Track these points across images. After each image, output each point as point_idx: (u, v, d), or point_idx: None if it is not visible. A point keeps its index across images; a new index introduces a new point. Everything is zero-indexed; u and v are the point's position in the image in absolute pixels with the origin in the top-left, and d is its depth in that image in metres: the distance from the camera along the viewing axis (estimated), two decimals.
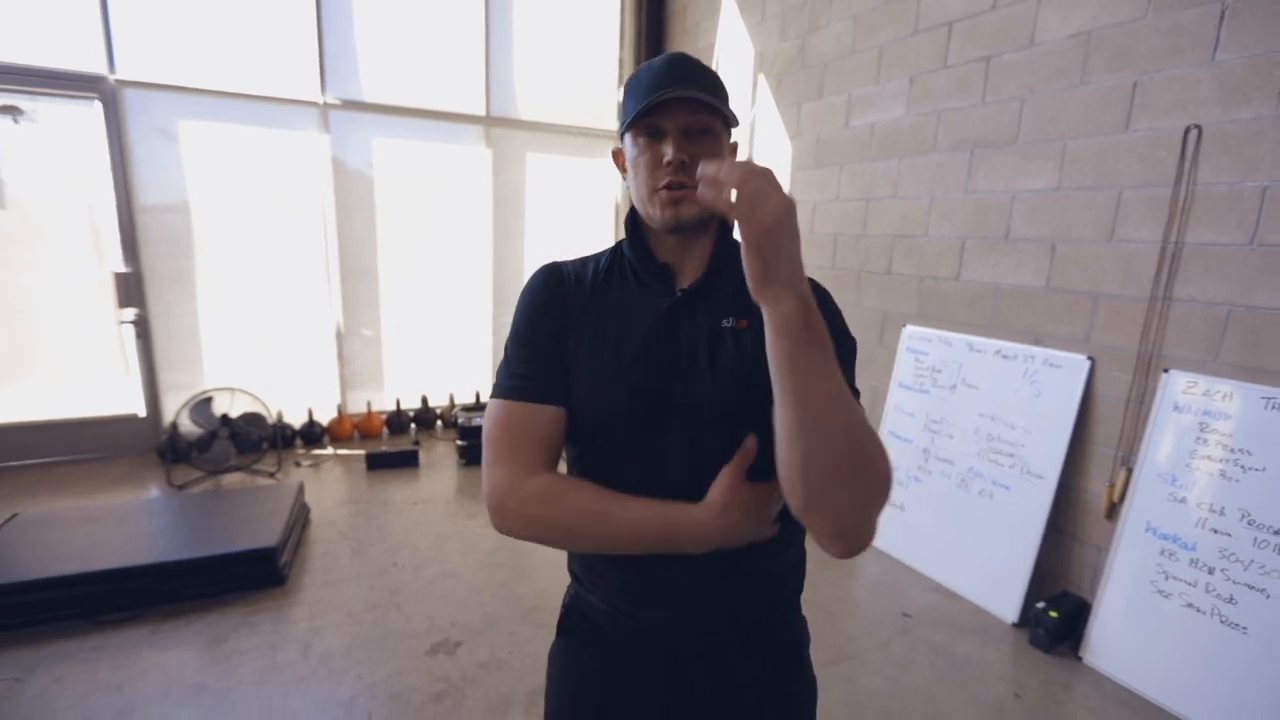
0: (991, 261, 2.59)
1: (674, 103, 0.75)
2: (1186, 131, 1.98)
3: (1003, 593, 2.42)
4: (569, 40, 4.51)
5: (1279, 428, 1.81)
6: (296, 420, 4.06)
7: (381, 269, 4.21)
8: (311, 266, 4.03)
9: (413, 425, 4.38)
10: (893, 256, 3.03)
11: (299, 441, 4.06)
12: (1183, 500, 2.00)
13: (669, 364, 0.79)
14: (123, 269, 3.56)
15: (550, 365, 0.81)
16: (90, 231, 3.52)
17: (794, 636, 0.91)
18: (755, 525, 0.75)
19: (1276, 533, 1.79)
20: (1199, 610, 1.92)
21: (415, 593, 2.46)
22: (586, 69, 4.61)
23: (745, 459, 0.75)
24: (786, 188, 3.82)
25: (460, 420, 3.86)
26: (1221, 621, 1.87)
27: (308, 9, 3.72)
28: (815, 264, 3.44)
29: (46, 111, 3.33)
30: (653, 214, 0.79)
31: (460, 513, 3.17)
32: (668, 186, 0.77)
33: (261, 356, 3.97)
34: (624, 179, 0.86)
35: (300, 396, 4.07)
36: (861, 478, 0.65)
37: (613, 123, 4.72)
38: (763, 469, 0.81)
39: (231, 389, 3.67)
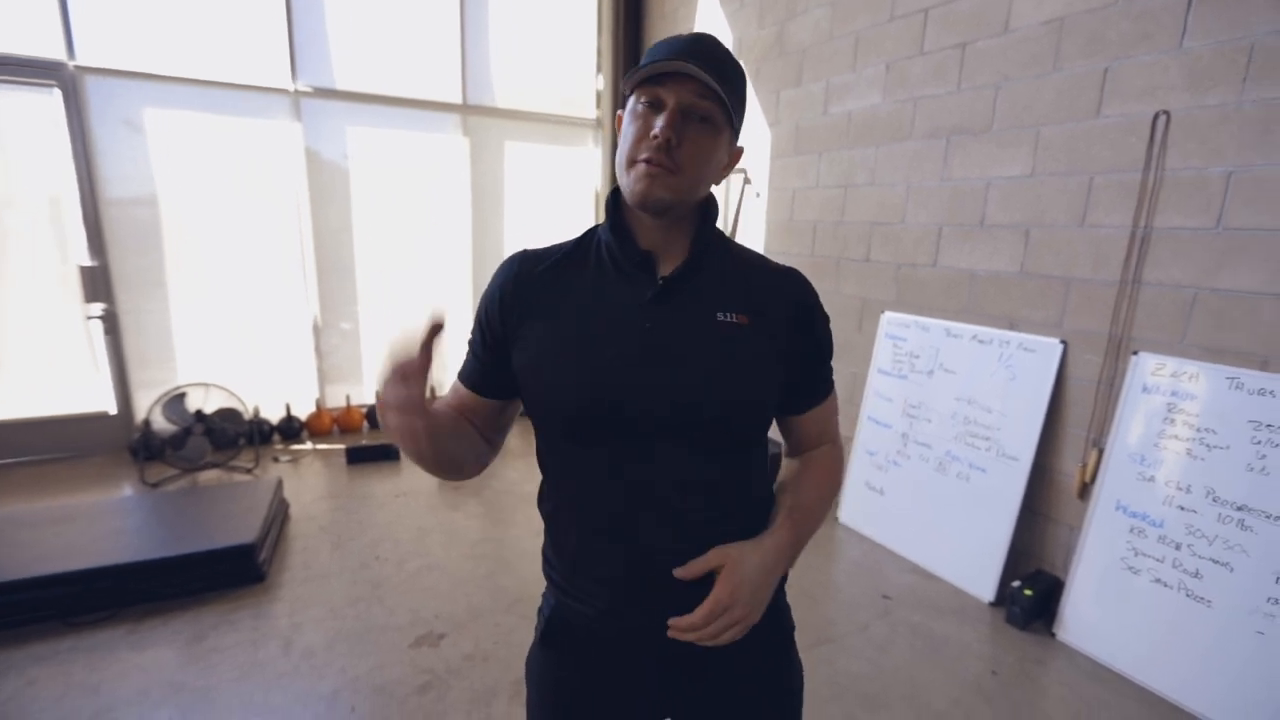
0: (967, 248, 2.62)
1: (682, 79, 0.72)
2: (1155, 117, 2.01)
3: (979, 573, 2.47)
4: (546, 27, 4.45)
5: (1242, 407, 1.86)
6: (274, 415, 4.00)
7: (359, 261, 4.15)
8: (286, 259, 3.95)
9: None
10: (871, 243, 3.06)
11: (277, 437, 4.00)
12: (1151, 479, 2.05)
13: (657, 359, 0.75)
14: (89, 263, 3.47)
15: (477, 355, 0.87)
16: (53, 225, 3.42)
17: (783, 624, 0.91)
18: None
19: (1239, 509, 1.85)
20: (1166, 585, 1.98)
21: (398, 586, 2.44)
22: (564, 56, 4.56)
23: None
24: (765, 175, 3.78)
25: None
26: (1188, 595, 1.93)
27: None
28: (795, 251, 3.46)
29: (3, 101, 3.22)
30: (626, 185, 0.76)
31: (443, 505, 3.16)
32: (647, 161, 0.73)
33: (237, 351, 3.89)
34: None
35: (277, 391, 4.01)
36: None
37: (591, 110, 4.68)
38: (738, 498, 0.83)
39: (206, 384, 3.60)
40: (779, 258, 3.49)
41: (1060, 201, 2.30)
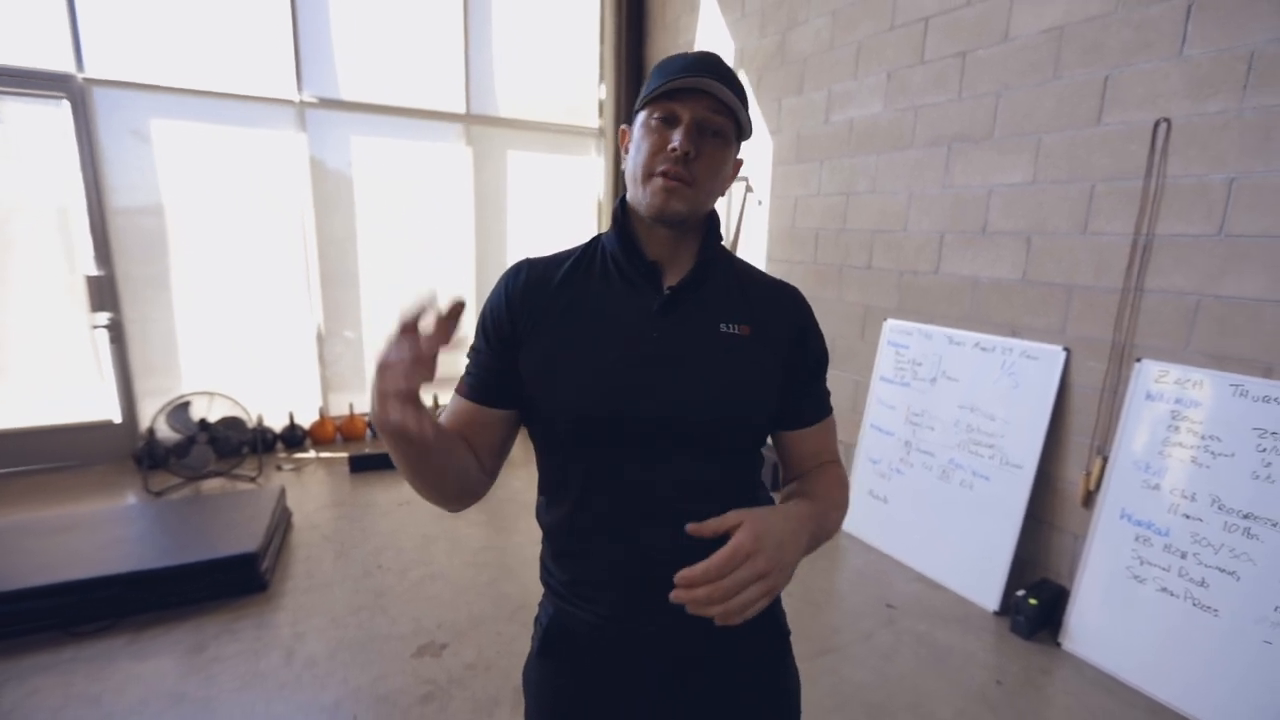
0: (969, 255, 2.62)
1: (697, 94, 0.75)
2: (1156, 125, 2.02)
3: (984, 582, 2.45)
4: (549, 37, 4.48)
5: (1247, 414, 1.85)
6: (277, 424, 4.01)
7: (362, 270, 4.17)
8: (290, 268, 3.97)
9: None
10: (873, 251, 3.06)
11: (280, 445, 4.01)
12: (1156, 487, 2.04)
13: (662, 366, 0.77)
14: (95, 272, 3.49)
15: (480, 364, 0.84)
16: (61, 235, 3.44)
17: (780, 627, 0.91)
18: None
19: (1245, 516, 1.84)
20: (1172, 594, 1.96)
21: (401, 595, 2.44)
22: (567, 66, 4.59)
23: None
24: (767, 183, 3.79)
25: None
26: (1194, 605, 1.92)
27: (282, 4, 3.66)
28: (797, 259, 3.46)
29: (13, 112, 3.25)
30: (641, 198, 0.78)
31: (446, 514, 3.14)
32: (664, 174, 0.75)
33: (240, 360, 3.91)
34: (625, 158, 0.85)
35: (281, 400, 4.02)
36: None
37: (594, 120, 4.70)
38: (736, 502, 0.82)
39: (210, 393, 3.61)
40: (782, 265, 3.53)
41: (1062, 209, 2.30)
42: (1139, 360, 2.11)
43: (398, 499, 3.31)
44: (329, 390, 4.18)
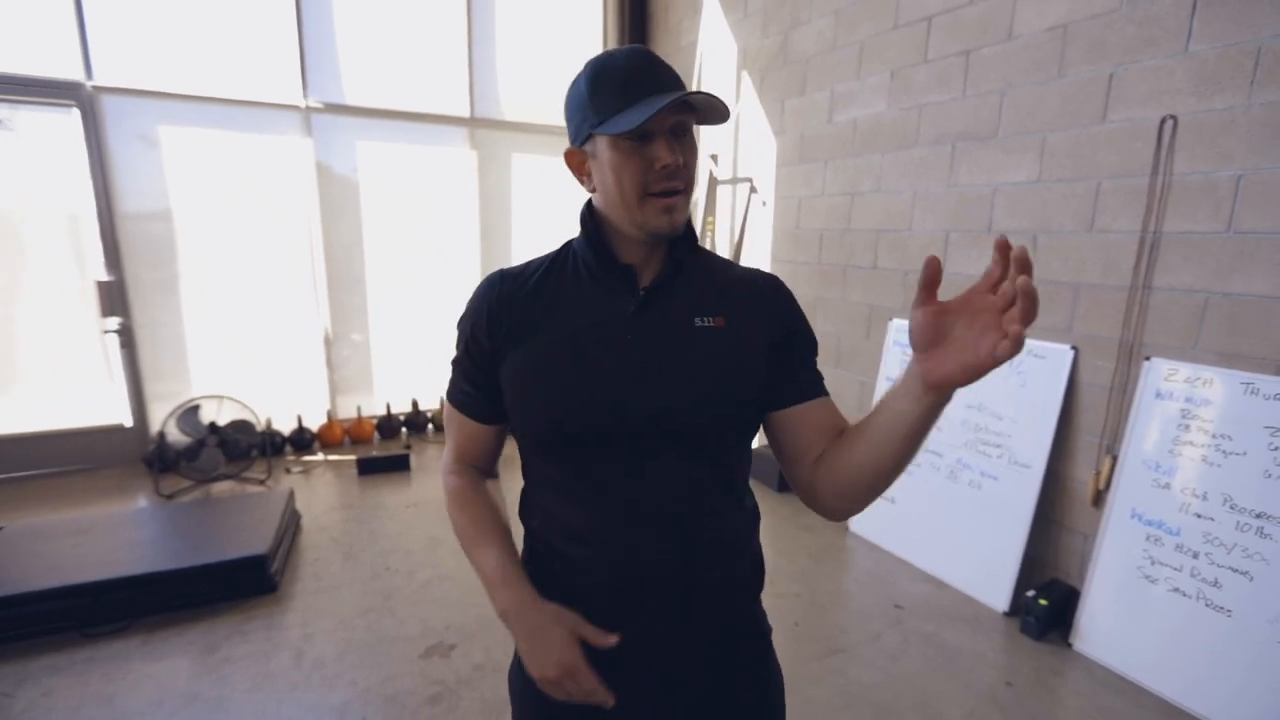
0: (975, 254, 2.62)
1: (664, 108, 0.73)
2: (1162, 122, 2.01)
3: (993, 582, 2.44)
4: (551, 40, 4.50)
5: (1258, 412, 1.84)
6: (286, 427, 4.04)
7: (369, 273, 4.20)
8: (298, 272, 4.01)
9: (404, 429, 4.36)
10: (878, 251, 3.05)
11: (289, 448, 4.04)
12: (1166, 486, 2.03)
13: (641, 367, 0.77)
14: (105, 278, 3.53)
15: (475, 384, 0.86)
16: (72, 241, 3.49)
17: (761, 627, 0.92)
18: (547, 671, 0.76)
19: (1258, 516, 1.82)
20: (1185, 594, 1.95)
21: (409, 597, 2.45)
22: (569, 68, 4.59)
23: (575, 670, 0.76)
24: (771, 184, 3.79)
25: None
26: (1207, 605, 1.90)
27: (288, 11, 3.69)
28: (801, 260, 3.46)
29: (24, 120, 3.30)
30: (642, 221, 0.76)
31: None
32: (662, 194, 0.74)
33: (249, 364, 3.94)
34: (583, 183, 0.82)
35: (289, 403, 4.05)
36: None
37: None
38: (723, 498, 0.84)
39: (219, 396, 3.64)
40: (786, 266, 3.53)
41: (1068, 207, 2.29)
42: (1148, 359, 2.09)
43: (405, 501, 3.33)
44: (336, 393, 4.20)
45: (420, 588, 2.51)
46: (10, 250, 3.37)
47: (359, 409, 4.25)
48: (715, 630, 0.85)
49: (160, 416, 3.63)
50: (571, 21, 4.54)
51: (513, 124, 4.43)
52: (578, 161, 0.81)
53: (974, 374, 0.60)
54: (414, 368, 4.40)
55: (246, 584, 2.40)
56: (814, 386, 0.85)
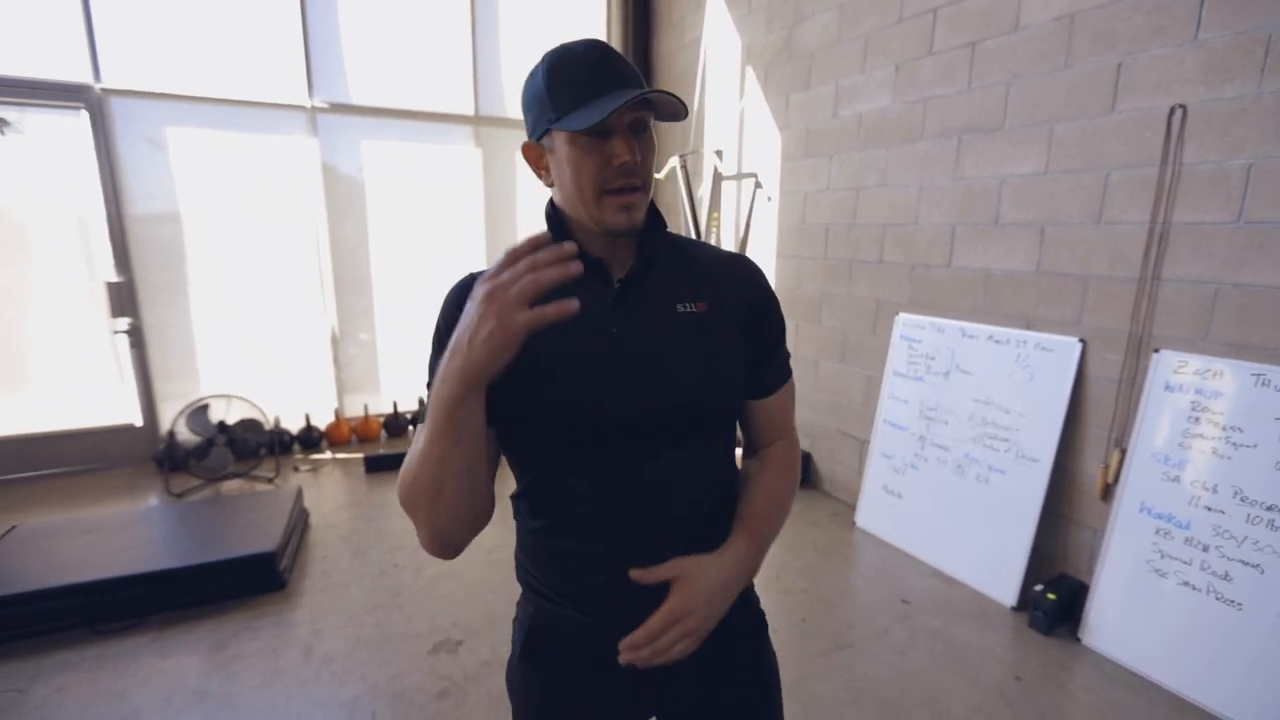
0: (981, 247, 2.60)
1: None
2: (1171, 111, 1.98)
3: (1001, 577, 2.43)
4: (555, 36, 4.48)
5: (1269, 404, 1.82)
6: (294, 426, 4.06)
7: (375, 272, 4.21)
8: (304, 272, 4.03)
9: (410, 427, 4.38)
10: (884, 245, 3.04)
11: (297, 447, 4.06)
12: (1176, 479, 2.01)
13: (629, 358, 0.77)
14: (115, 279, 3.56)
15: None
16: (81, 242, 3.52)
17: (755, 618, 0.93)
18: None
19: (1269, 509, 1.80)
20: (1195, 588, 1.93)
21: (416, 593, 2.46)
22: None
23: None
24: (776, 179, 3.77)
25: None
26: (1218, 599, 1.88)
27: (292, 12, 3.71)
28: (807, 255, 3.44)
29: (33, 122, 3.33)
30: (600, 218, 0.75)
31: None
32: (619, 191, 0.74)
33: (257, 363, 3.97)
34: (541, 178, 0.81)
35: (297, 402, 4.07)
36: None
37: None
38: (714, 481, 0.85)
39: (228, 396, 3.67)
40: (792, 261, 3.52)
41: (1075, 198, 2.27)
42: (1157, 351, 2.07)
43: None
44: (344, 392, 4.22)
45: (428, 584, 2.53)
46: (20, 252, 3.41)
47: (366, 407, 4.27)
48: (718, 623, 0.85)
49: (170, 416, 3.66)
50: (575, 18, 4.54)
51: (518, 121, 4.42)
52: (535, 156, 0.80)
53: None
54: (420, 366, 4.40)
55: (255, 581, 2.41)
56: (779, 376, 0.90)
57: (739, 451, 0.91)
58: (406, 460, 0.73)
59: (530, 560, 0.86)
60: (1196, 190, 1.96)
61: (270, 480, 3.55)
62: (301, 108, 3.81)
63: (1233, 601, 1.85)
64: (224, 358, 3.89)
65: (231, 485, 3.48)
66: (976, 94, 2.55)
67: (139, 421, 3.74)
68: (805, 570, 2.68)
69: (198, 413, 3.49)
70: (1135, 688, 1.97)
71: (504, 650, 2.10)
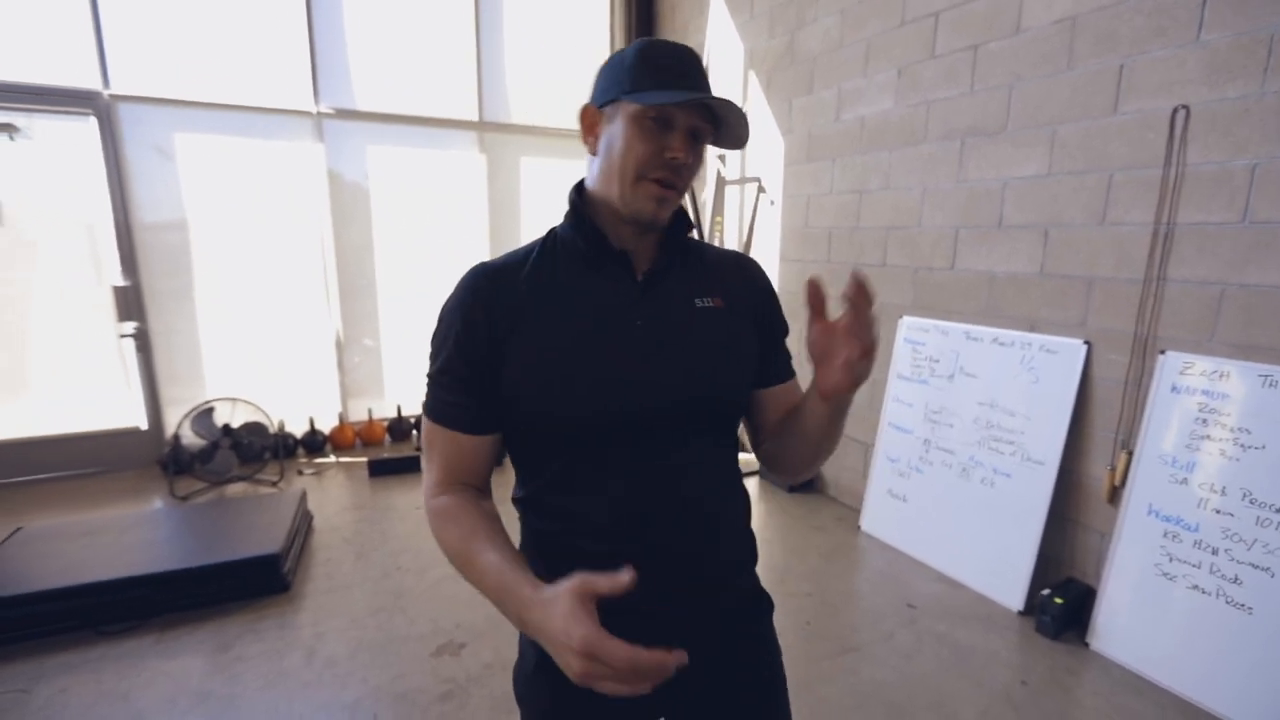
0: (985, 250, 2.59)
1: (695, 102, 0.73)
2: (1174, 112, 1.98)
3: (1007, 581, 2.41)
4: (559, 43, 4.53)
5: (1277, 405, 1.81)
6: (298, 429, 4.07)
7: (380, 277, 4.23)
8: (310, 277, 4.05)
9: (415, 431, 4.38)
10: (887, 248, 3.04)
11: (301, 450, 4.07)
12: (1184, 481, 1.99)
13: (653, 352, 0.77)
14: (122, 282, 3.58)
15: (468, 392, 0.78)
16: (89, 247, 3.54)
17: (764, 608, 0.93)
18: (585, 671, 0.61)
19: (1278, 510, 1.79)
20: (1204, 592, 1.91)
21: (419, 596, 2.46)
22: (577, 71, 4.63)
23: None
24: (779, 183, 3.78)
25: None
26: (1227, 602, 1.86)
27: (299, 19, 3.74)
28: (810, 259, 3.44)
29: (42, 128, 3.36)
30: (630, 200, 0.76)
31: None
32: (659, 181, 0.75)
33: (262, 368, 3.98)
34: (587, 142, 0.81)
35: (302, 406, 4.08)
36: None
37: None
38: (729, 473, 0.86)
39: (233, 399, 3.68)
40: (795, 265, 3.53)
41: (1079, 200, 2.27)
42: (1163, 352, 2.06)
43: (415, 502, 3.34)
44: (348, 396, 4.23)
45: (431, 587, 2.52)
46: (28, 256, 3.43)
47: (370, 411, 4.28)
48: (730, 610, 0.86)
49: (175, 420, 3.68)
50: (579, 24, 4.57)
51: (521, 127, 4.45)
52: (591, 119, 0.80)
53: (852, 385, 0.70)
54: (424, 370, 4.40)
55: (259, 583, 2.41)
56: (787, 368, 0.92)
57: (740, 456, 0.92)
58: (445, 536, 0.77)
59: (540, 564, 0.84)
60: (1201, 191, 1.95)
61: (274, 484, 3.55)
62: (307, 113, 3.84)
63: (1242, 605, 1.83)
64: (229, 362, 3.91)
65: (236, 488, 3.48)
66: (979, 96, 2.56)
67: (144, 425, 3.76)
68: (810, 574, 2.66)
69: (202, 416, 3.50)
70: (1144, 693, 1.95)
71: (507, 653, 2.10)
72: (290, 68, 3.78)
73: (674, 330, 0.79)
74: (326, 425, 4.16)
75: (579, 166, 4.69)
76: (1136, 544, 2.08)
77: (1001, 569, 2.44)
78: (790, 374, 0.93)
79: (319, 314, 4.10)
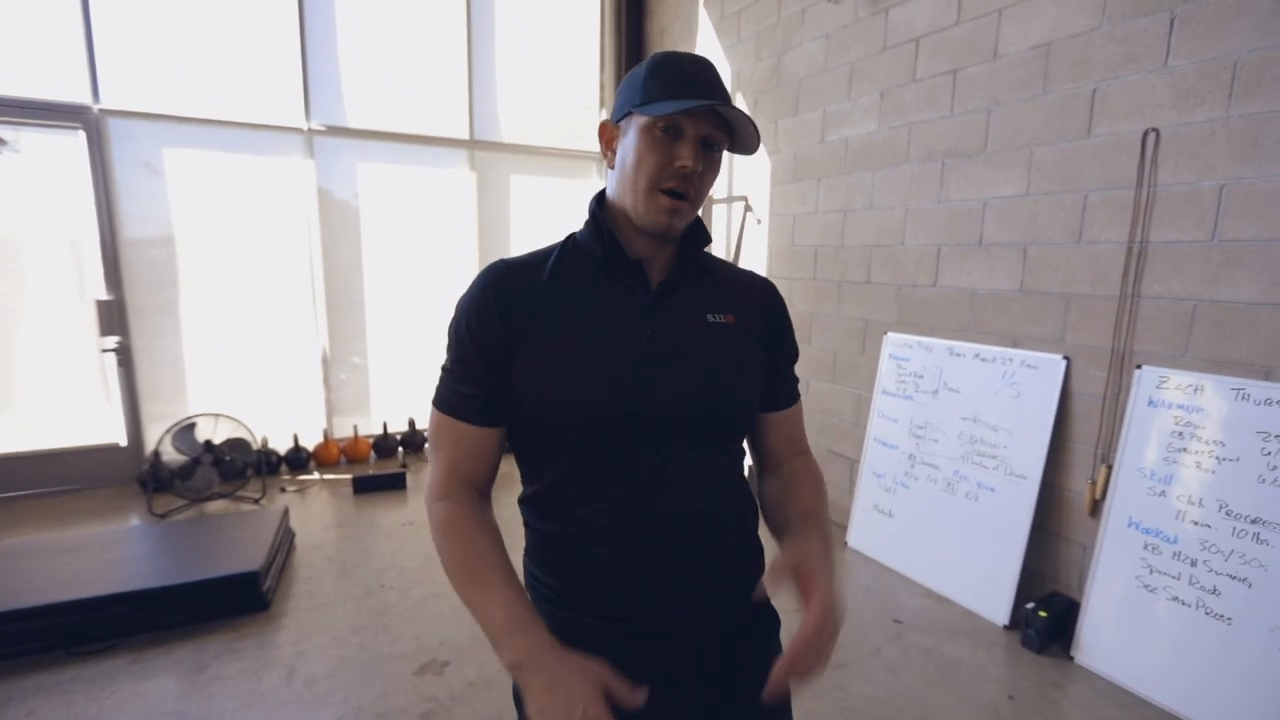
0: (966, 267, 2.65)
1: (703, 109, 0.74)
2: (1145, 135, 2.05)
3: (992, 595, 2.42)
4: (550, 63, 4.60)
5: (1250, 418, 1.85)
6: (282, 446, 4.02)
7: (368, 294, 4.22)
8: (298, 293, 4.03)
9: (400, 448, 4.35)
10: (871, 266, 3.09)
11: (284, 467, 4.02)
12: (1162, 494, 2.02)
13: (663, 362, 0.78)
14: (105, 297, 3.55)
15: (480, 383, 0.79)
16: (73, 261, 3.51)
17: (773, 614, 0.93)
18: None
19: (1254, 521, 1.82)
20: (1184, 603, 1.93)
21: (403, 614, 2.42)
22: (567, 91, 4.70)
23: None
24: (766, 202, 3.84)
25: None
26: (1207, 614, 1.88)
27: (291, 35, 3.78)
28: (796, 276, 3.49)
29: (30, 142, 3.35)
30: (641, 210, 0.77)
31: None
32: (670, 192, 0.76)
33: (247, 384, 3.94)
34: (605, 155, 0.83)
35: (286, 422, 4.04)
36: None
37: (595, 144, 4.78)
38: (735, 485, 0.87)
39: (215, 415, 3.63)
40: (782, 283, 3.57)
41: (1056, 219, 2.33)
42: (1139, 367, 2.11)
43: (400, 519, 3.31)
44: (333, 413, 4.19)
45: (414, 605, 2.48)
46: (11, 271, 3.40)
47: (355, 428, 4.24)
48: (734, 617, 0.86)
49: (156, 437, 3.62)
50: (569, 45, 4.64)
51: (511, 146, 4.50)
52: (609, 134, 0.83)
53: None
54: (411, 388, 4.39)
55: (238, 602, 2.36)
56: (793, 392, 0.94)
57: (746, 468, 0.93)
58: (448, 549, 0.78)
59: (544, 567, 0.85)
60: (1171, 210, 2.02)
61: (256, 501, 3.50)
62: (298, 130, 3.86)
63: (1222, 616, 1.85)
64: (214, 379, 3.86)
65: (216, 506, 3.43)
66: (959, 119, 2.63)
67: (124, 441, 3.70)
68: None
69: (184, 431, 3.45)
70: (1128, 705, 1.95)
71: (490, 671, 2.07)
72: (282, 84, 3.81)
73: (683, 342, 0.80)
74: (311, 442, 4.11)
75: (569, 185, 4.74)
76: (1118, 556, 2.11)
77: (986, 583, 2.45)
78: (795, 399, 0.94)
79: (306, 331, 4.07)
